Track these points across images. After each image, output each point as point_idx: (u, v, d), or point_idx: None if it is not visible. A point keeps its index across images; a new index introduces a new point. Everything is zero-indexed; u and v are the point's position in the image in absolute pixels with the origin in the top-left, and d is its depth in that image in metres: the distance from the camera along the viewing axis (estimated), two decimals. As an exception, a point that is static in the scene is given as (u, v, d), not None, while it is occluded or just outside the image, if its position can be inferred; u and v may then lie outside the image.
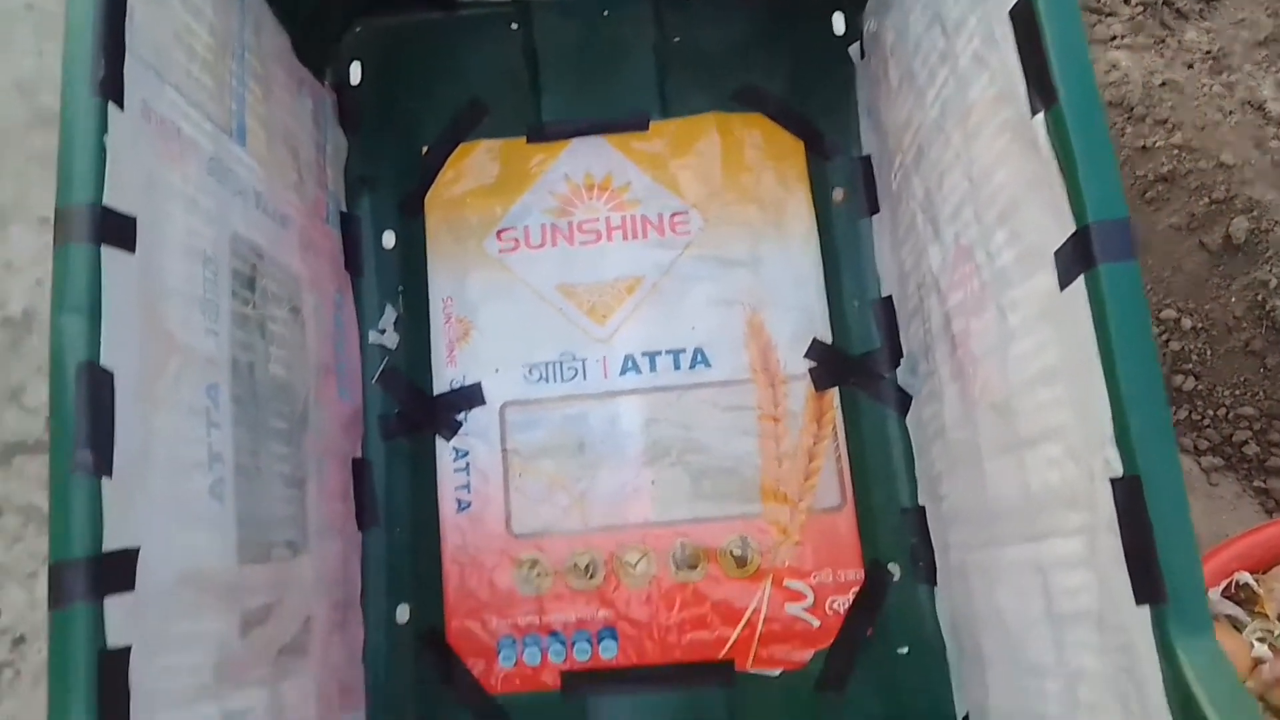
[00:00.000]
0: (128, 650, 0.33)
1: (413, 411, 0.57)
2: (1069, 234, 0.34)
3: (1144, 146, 0.72)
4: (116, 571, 0.33)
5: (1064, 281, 0.35)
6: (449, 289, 0.58)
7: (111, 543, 0.33)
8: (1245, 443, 0.70)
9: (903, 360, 0.55)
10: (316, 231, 0.53)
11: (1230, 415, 0.70)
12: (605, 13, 0.61)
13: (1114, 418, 0.32)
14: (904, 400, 0.55)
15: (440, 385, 0.57)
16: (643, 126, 0.60)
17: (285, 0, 0.52)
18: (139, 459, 0.35)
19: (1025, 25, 0.37)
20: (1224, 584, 0.59)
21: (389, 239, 0.59)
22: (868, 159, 0.59)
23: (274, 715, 0.43)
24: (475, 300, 0.58)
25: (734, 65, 0.61)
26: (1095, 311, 0.33)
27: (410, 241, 0.59)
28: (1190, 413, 0.71)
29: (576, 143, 0.59)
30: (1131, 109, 0.73)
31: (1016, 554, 0.40)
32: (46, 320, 0.64)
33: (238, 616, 0.41)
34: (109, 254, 0.34)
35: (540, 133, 0.60)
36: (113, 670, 0.32)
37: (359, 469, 0.56)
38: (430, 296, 0.58)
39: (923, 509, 0.54)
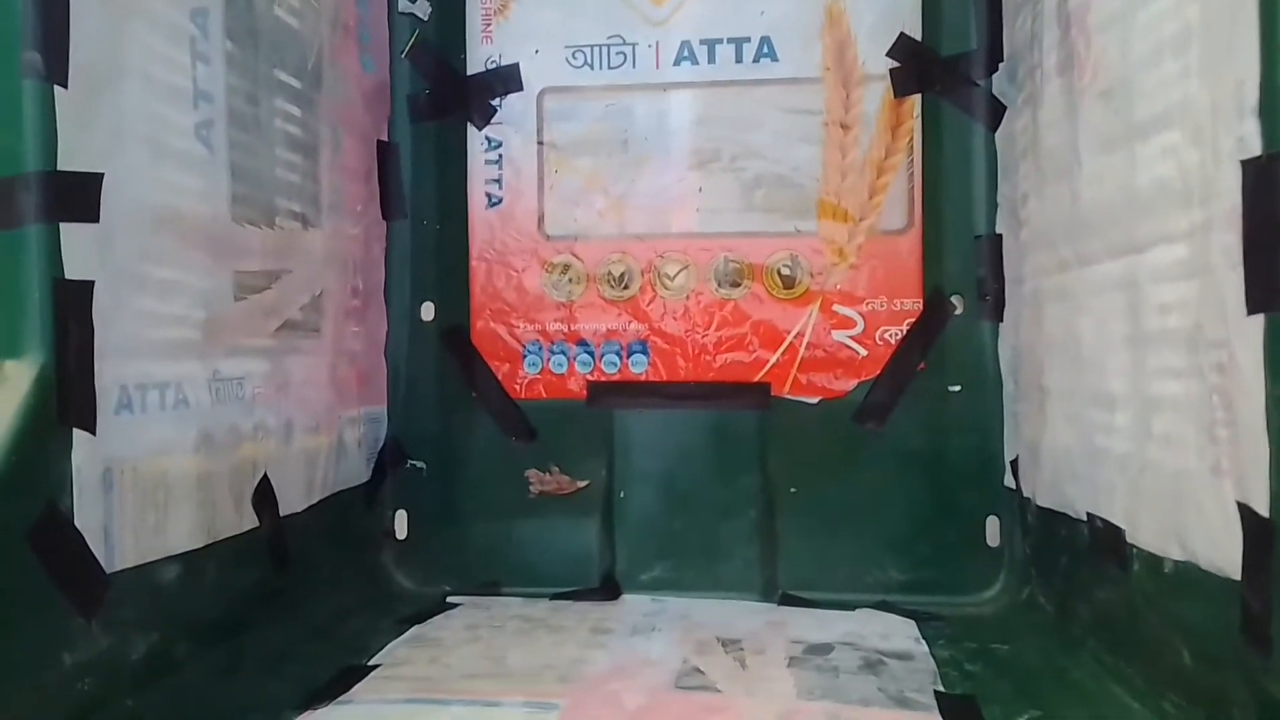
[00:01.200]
0: (90, 284, 0.30)
1: (444, 92, 0.52)
2: None
3: None
4: (75, 195, 0.29)
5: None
6: (487, -48, 0.51)
7: (69, 163, 0.29)
8: None
9: (1002, 64, 0.47)
10: None
11: None
12: None
13: (1262, 81, 0.25)
14: (996, 112, 0.48)
15: (475, 64, 0.52)
16: None
17: None
18: (104, 76, 0.30)
19: None
20: None
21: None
22: None
23: (275, 388, 0.41)
24: (516, -33, 0.51)
25: None
26: None
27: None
28: None
29: None
30: None
31: (1105, 271, 0.35)
32: None
33: (230, 276, 0.37)
34: None
35: None
36: (70, 301, 0.29)
37: (384, 152, 0.52)
38: (465, -39, 0.51)
39: (999, 237, 0.48)
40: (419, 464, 0.53)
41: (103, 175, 0.30)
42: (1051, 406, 0.41)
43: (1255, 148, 0.25)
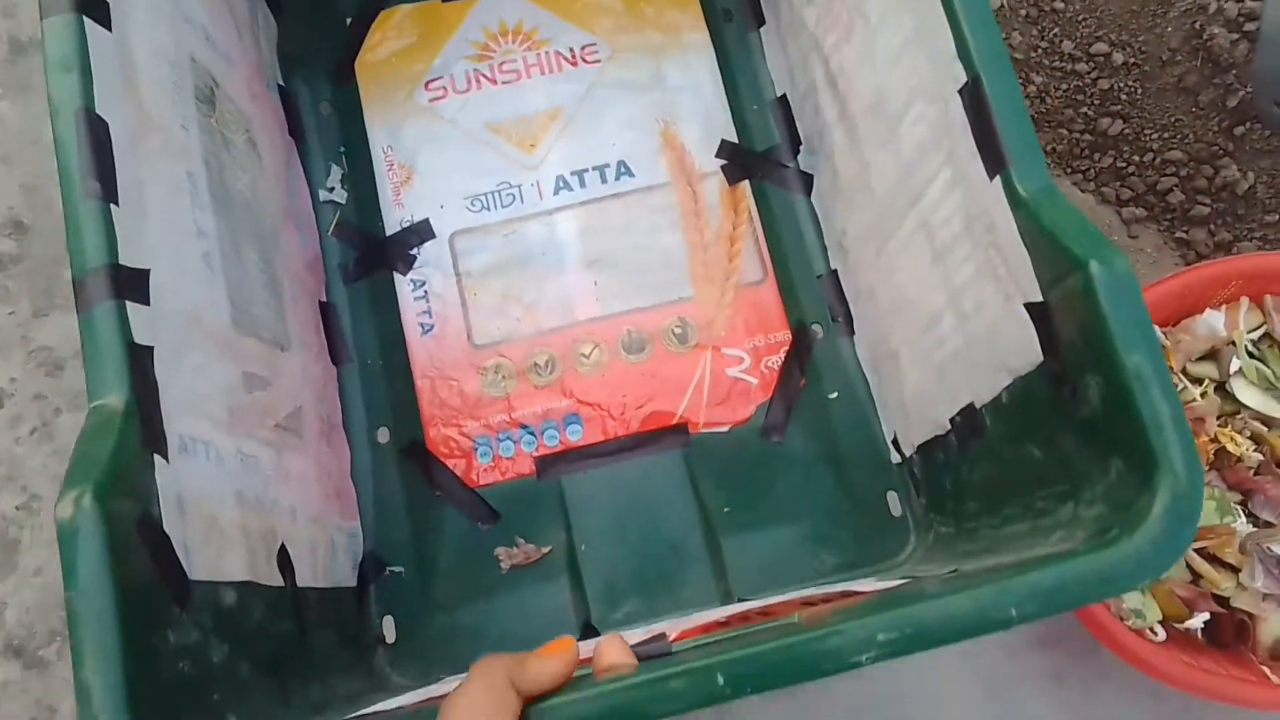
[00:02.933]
0: (150, 348, 0.38)
1: (369, 254, 0.63)
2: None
3: None
4: (132, 283, 0.38)
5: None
6: (387, 140, 0.64)
7: (126, 261, 0.38)
8: (1170, 190, 0.67)
9: (801, 147, 0.62)
10: (259, 87, 0.58)
11: (1157, 161, 0.68)
12: None
13: (955, 40, 0.39)
14: (807, 182, 0.62)
15: (391, 226, 0.63)
16: (545, -24, 0.67)
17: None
18: (139, 203, 0.40)
19: None
20: None
21: (325, 107, 0.65)
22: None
23: (280, 475, 0.48)
24: (413, 146, 0.63)
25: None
26: None
27: (345, 105, 0.64)
28: (1115, 159, 0.68)
29: (487, -2, 0.66)
30: None
31: (906, 228, 0.47)
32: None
33: (239, 372, 0.45)
34: (91, 26, 0.39)
35: (453, -10, 0.66)
36: (139, 358, 0.37)
37: (325, 311, 0.61)
38: (371, 150, 0.64)
39: (834, 272, 0.61)
40: (398, 568, 0.58)
41: (149, 270, 0.39)
42: (903, 360, 0.52)
43: (963, 77, 0.38)
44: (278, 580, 0.44)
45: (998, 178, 0.37)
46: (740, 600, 0.56)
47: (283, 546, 0.46)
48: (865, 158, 0.50)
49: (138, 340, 0.37)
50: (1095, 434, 0.34)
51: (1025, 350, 0.38)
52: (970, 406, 0.44)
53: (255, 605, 0.41)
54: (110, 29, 0.41)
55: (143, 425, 0.36)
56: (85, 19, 0.39)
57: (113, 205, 0.38)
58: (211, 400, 0.42)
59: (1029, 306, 0.37)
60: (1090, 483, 0.35)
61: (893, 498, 0.58)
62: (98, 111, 0.38)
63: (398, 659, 0.57)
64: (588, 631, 0.57)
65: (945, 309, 0.45)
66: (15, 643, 0.61)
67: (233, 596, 0.39)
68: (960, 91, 0.39)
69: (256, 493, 0.44)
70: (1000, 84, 0.38)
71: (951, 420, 0.47)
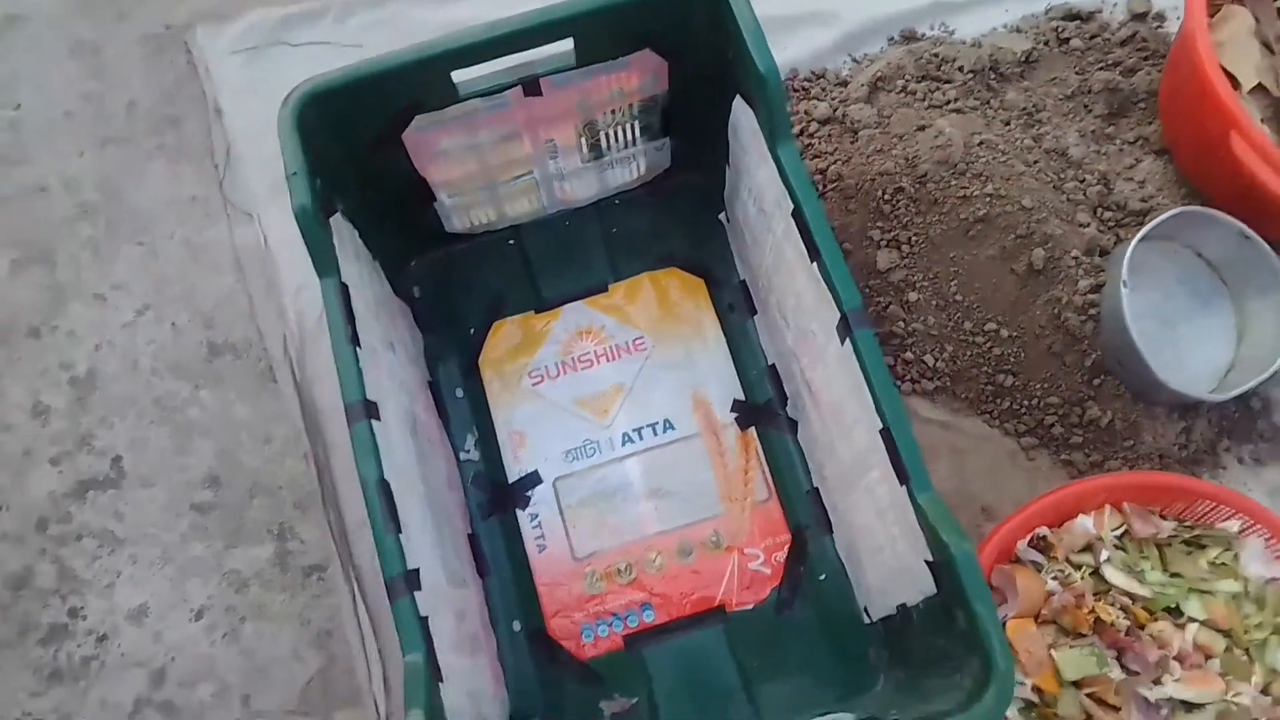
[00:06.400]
0: (427, 619, 0.65)
1: (497, 497, 0.90)
2: (838, 318, 0.69)
3: (964, 195, 0.90)
4: (415, 580, 0.65)
5: (841, 340, 0.70)
6: (505, 415, 0.92)
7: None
8: (1053, 425, 0.89)
9: (789, 401, 0.90)
10: (425, 398, 0.87)
11: (1041, 404, 0.89)
12: (567, 223, 0.98)
13: (873, 400, 0.67)
14: (794, 426, 0.90)
15: (512, 476, 0.91)
16: (604, 289, 0.96)
17: (380, 257, 0.87)
18: (408, 515, 0.67)
19: (797, 217, 0.72)
20: (1029, 536, 0.80)
21: (459, 392, 0.93)
22: (744, 282, 0.95)
23: (480, 675, 0.75)
24: (523, 418, 0.92)
25: (653, 240, 0.97)
26: (856, 353, 0.68)
27: (474, 392, 0.93)
28: (1011, 403, 0.90)
29: (566, 308, 0.95)
30: (954, 166, 0.90)
31: (859, 489, 0.75)
32: (106, 378, 0.95)
33: (453, 613, 0.73)
34: (374, 424, 0.67)
35: (542, 306, 0.95)
36: (425, 629, 0.64)
37: (471, 542, 0.89)
38: (494, 422, 0.92)
39: (816, 489, 0.88)
40: (534, 720, 0.85)
41: (419, 569, 0.66)
42: (865, 562, 0.79)
43: (880, 425, 0.67)
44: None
45: (906, 487, 0.65)
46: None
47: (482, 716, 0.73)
48: (831, 435, 0.78)
49: (422, 613, 0.64)
50: (965, 640, 0.61)
51: (927, 583, 0.65)
52: (904, 604, 0.72)
53: None
54: (380, 419, 0.69)
55: (429, 665, 0.63)
56: (371, 421, 0.67)
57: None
58: (446, 636, 0.69)
59: (927, 561, 0.64)
60: (965, 667, 0.61)
61: (870, 651, 0.84)
62: (385, 478, 0.66)
63: (537, 784, 0.83)
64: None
65: (885, 544, 0.72)
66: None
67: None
68: (880, 432, 0.67)
69: (474, 689, 0.71)
70: (900, 432, 0.65)
71: (897, 607, 0.74)
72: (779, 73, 0.70)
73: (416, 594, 0.64)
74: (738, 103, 0.79)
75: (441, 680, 0.64)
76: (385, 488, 0.65)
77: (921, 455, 0.65)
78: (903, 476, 0.65)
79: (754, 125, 0.76)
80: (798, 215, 0.71)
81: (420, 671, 0.61)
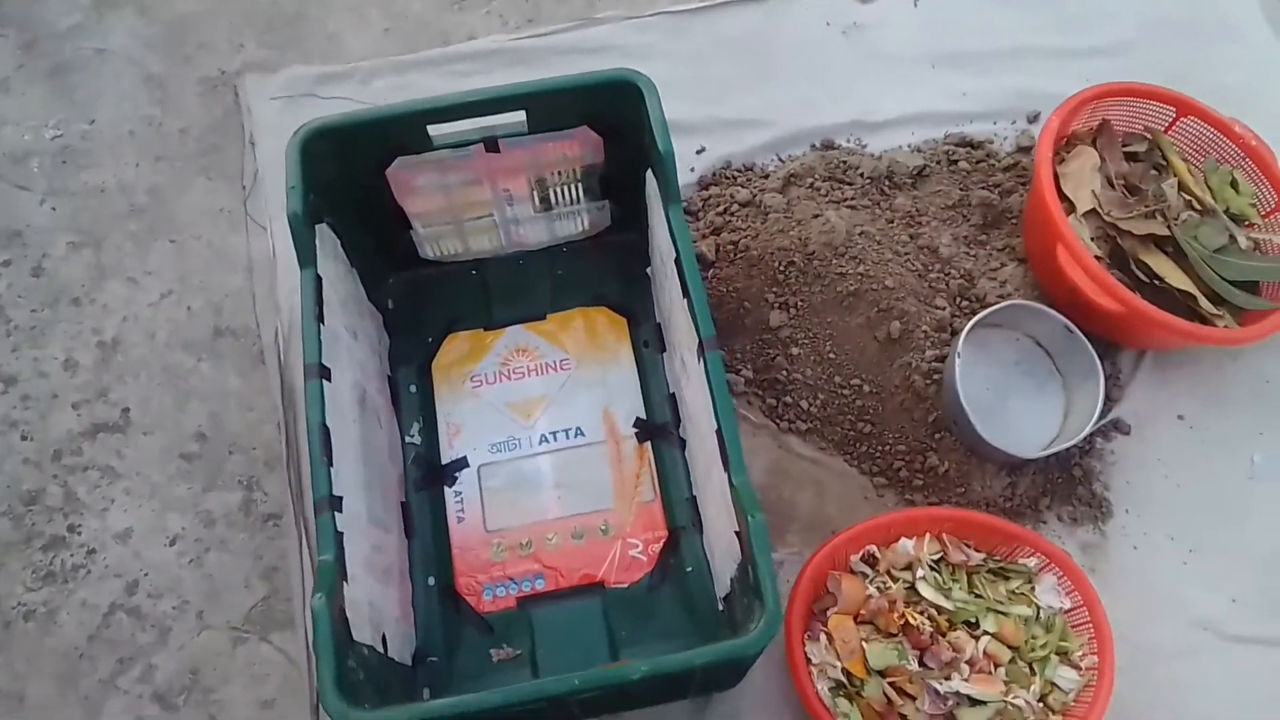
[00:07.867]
0: (343, 534, 0.83)
1: (430, 475, 1.09)
2: (698, 343, 0.89)
3: (841, 273, 1.08)
4: (338, 504, 0.83)
5: (699, 360, 0.89)
6: (447, 409, 1.11)
7: (337, 490, 0.84)
8: (900, 469, 1.05)
9: (681, 424, 1.09)
10: (381, 383, 1.07)
11: (891, 450, 1.05)
12: (521, 262, 1.18)
13: (713, 410, 0.85)
14: (684, 444, 1.09)
15: (445, 459, 1.09)
16: (543, 318, 1.16)
17: (363, 274, 1.07)
18: (341, 459, 0.86)
19: (677, 263, 0.92)
20: (861, 551, 0.97)
21: (413, 389, 1.13)
22: (659, 324, 1.15)
23: (385, 597, 0.92)
24: (461, 414, 1.11)
25: (591, 283, 1.17)
26: (705, 370, 0.87)
27: (425, 388, 1.12)
28: (869, 448, 1.05)
29: (510, 329, 1.15)
30: (836, 248, 1.08)
31: (713, 481, 0.93)
32: (128, 345, 1.14)
33: (369, 544, 0.91)
34: (325, 384, 0.87)
35: (491, 325, 1.15)
36: (339, 539, 0.82)
37: (404, 508, 1.07)
38: (438, 415, 1.11)
39: (694, 496, 1.06)
40: (434, 658, 1.02)
41: (343, 497, 0.85)
42: (716, 554, 0.97)
43: (716, 426, 0.86)
44: (380, 648, 0.88)
45: (729, 473, 0.83)
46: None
47: (384, 635, 0.90)
48: (694, 442, 0.97)
49: (339, 529, 0.83)
50: (755, 592, 0.79)
51: (736, 550, 0.83)
52: (731, 578, 0.89)
53: (373, 656, 0.85)
54: (331, 381, 0.88)
55: (338, 565, 0.81)
56: (324, 382, 0.86)
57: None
58: (359, 555, 0.87)
59: (735, 532, 0.82)
60: (751, 610, 0.79)
61: (721, 631, 1.01)
62: (326, 423, 0.85)
63: (431, 712, 1.00)
64: (540, 700, 0.99)
65: (723, 530, 0.90)
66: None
67: (365, 649, 0.84)
68: (716, 433, 0.85)
69: (376, 603, 0.89)
70: (728, 428, 0.84)
71: (729, 580, 0.92)
72: (674, 154, 0.92)
73: (337, 514, 0.83)
74: (649, 175, 1.00)
75: (346, 581, 0.82)
76: (325, 431, 0.84)
77: (742, 450, 0.84)
78: (726, 464, 0.84)
79: (658, 192, 0.97)
80: (678, 262, 0.91)
81: (330, 568, 0.80)
